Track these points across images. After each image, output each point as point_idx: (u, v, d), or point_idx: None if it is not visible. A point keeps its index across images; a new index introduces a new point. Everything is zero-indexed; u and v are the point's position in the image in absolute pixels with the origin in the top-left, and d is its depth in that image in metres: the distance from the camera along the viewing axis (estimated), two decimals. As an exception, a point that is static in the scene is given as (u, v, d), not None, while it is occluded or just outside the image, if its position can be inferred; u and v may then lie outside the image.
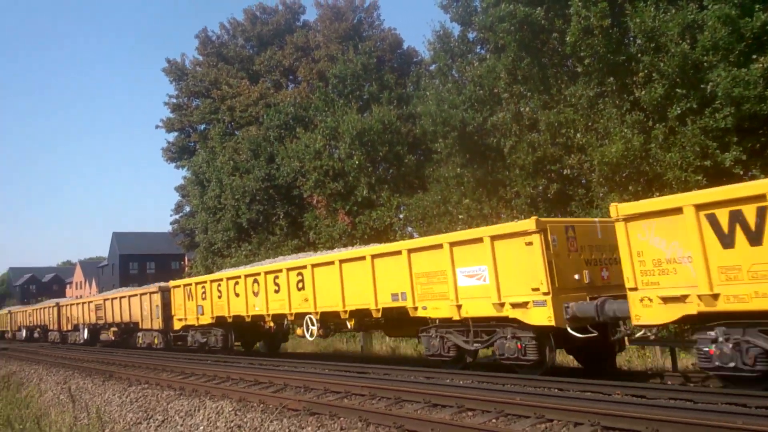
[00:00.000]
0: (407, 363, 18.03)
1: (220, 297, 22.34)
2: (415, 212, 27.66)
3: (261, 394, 13.36)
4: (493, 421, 9.58)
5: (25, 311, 51.66)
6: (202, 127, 50.70)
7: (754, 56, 16.32)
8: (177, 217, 53.72)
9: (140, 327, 28.89)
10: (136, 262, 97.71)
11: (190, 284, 24.58)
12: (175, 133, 52.66)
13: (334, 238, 31.41)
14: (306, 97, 41.93)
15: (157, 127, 53.39)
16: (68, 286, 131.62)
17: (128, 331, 31.87)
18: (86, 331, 36.33)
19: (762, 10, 16.23)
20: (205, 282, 23.39)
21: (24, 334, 50.84)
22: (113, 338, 33.69)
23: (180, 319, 25.03)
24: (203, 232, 43.67)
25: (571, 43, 19.61)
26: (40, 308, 46.94)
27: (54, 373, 23.37)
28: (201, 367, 19.39)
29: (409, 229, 29.32)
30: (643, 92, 18.31)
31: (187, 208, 51.93)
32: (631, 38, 19.79)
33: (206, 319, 23.23)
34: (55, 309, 42.26)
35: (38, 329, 47.54)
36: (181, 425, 12.89)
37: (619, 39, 19.52)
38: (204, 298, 23.28)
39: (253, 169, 37.78)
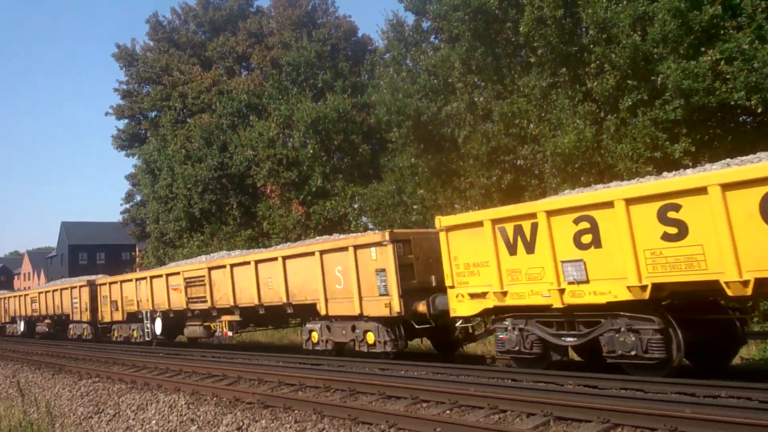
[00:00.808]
0: (362, 355, 18.02)
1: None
2: (369, 202, 27.57)
3: (214, 387, 13.29)
4: (447, 412, 9.64)
5: None
6: (153, 114, 49.62)
7: (703, 49, 16.58)
8: (127, 206, 52.61)
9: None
10: (86, 252, 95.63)
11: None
12: (126, 120, 51.43)
13: (288, 228, 31.16)
14: (259, 85, 41.37)
15: (106, 114, 52.36)
16: (16, 276, 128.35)
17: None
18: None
19: (710, 3, 16.48)
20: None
21: None
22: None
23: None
24: (154, 222, 42.89)
25: (524, 33, 19.71)
26: None
27: (2, 366, 22.94)
28: (153, 360, 19.24)
29: (364, 219, 29.23)
30: (595, 83, 18.52)
31: (138, 198, 50.87)
32: (584, 29, 19.96)
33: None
34: None
35: None
36: (133, 419, 12.78)
37: (571, 30, 19.68)
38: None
39: (206, 157, 37.18)
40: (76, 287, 29.76)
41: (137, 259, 58.43)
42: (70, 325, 31.51)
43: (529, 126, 20.31)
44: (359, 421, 9.50)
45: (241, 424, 10.50)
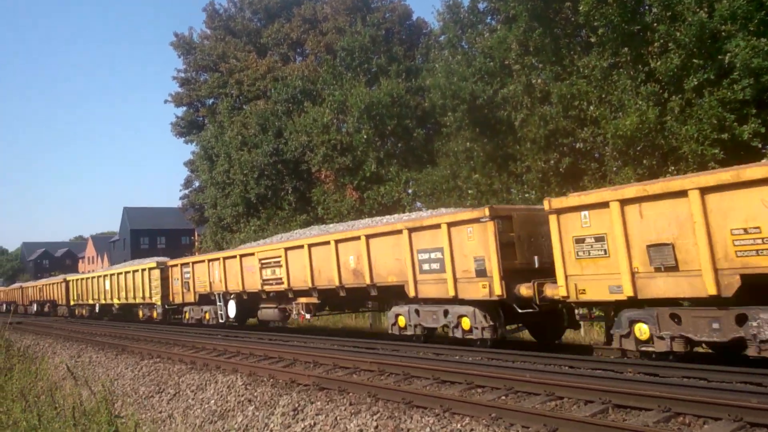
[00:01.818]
0: (455, 342, 17.97)
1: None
2: (423, 187, 27.40)
3: (271, 369, 13.38)
4: (503, 398, 9.49)
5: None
6: (211, 101, 50.37)
7: (774, 25, 15.89)
8: (186, 192, 53.72)
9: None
10: (147, 237, 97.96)
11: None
12: (184, 108, 52.39)
13: (342, 213, 31.24)
14: (314, 71, 41.50)
15: (165, 101, 53.06)
16: (80, 260, 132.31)
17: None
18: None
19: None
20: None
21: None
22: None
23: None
24: (212, 207, 43.62)
25: (584, 12, 19.16)
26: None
27: (67, 347, 23.67)
28: (211, 341, 19.51)
29: (418, 204, 29.10)
30: (658, 63, 17.89)
31: (197, 183, 51.84)
32: (647, 7, 19.27)
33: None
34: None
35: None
36: (193, 399, 13.01)
37: (634, 8, 19.04)
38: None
39: (261, 143, 37.55)
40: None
41: (196, 244, 59.57)
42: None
43: (589, 108, 19.78)
44: (413, 405, 9.43)
45: (297, 405, 10.54)
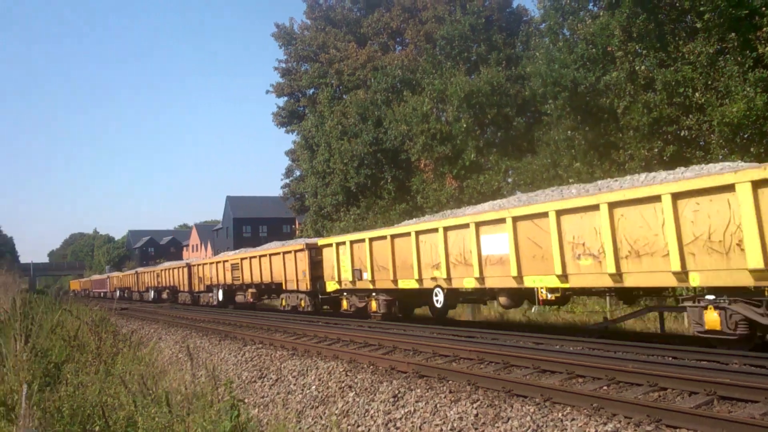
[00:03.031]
0: (515, 328, 17.95)
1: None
2: (523, 176, 27.21)
3: (371, 356, 13.56)
4: (604, 388, 9.49)
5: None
6: (311, 91, 51.11)
7: None
8: (287, 181, 54.73)
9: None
10: (249, 225, 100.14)
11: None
12: (285, 98, 53.40)
13: (441, 202, 31.39)
14: (413, 60, 41.67)
15: (267, 92, 54.39)
16: (185, 248, 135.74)
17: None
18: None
19: None
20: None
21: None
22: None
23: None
24: (313, 196, 44.40)
25: (690, -3, 18.62)
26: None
27: (172, 332, 24.46)
28: (312, 328, 19.91)
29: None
30: (767, 48, 17.13)
31: (297, 173, 52.83)
32: (756, -10, 18.51)
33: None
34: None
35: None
36: (294, 384, 13.28)
37: (742, -8, 18.36)
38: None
39: (361, 133, 38.03)
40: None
41: (297, 232, 60.79)
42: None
43: (695, 95, 19.17)
44: (513, 394, 9.54)
45: (396, 392, 10.70)
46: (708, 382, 8.66)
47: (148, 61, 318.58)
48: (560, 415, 8.38)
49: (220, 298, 34.74)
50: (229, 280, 32.99)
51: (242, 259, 31.25)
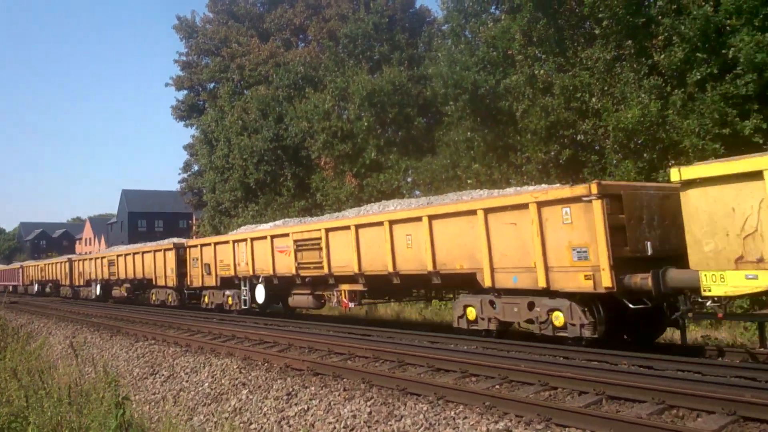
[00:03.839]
0: (410, 327, 17.96)
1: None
2: (423, 176, 27.32)
3: (265, 353, 13.41)
4: (497, 387, 9.50)
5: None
6: (212, 85, 50.14)
7: (779, 21, 15.77)
8: (185, 175, 53.56)
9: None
10: (145, 219, 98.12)
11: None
12: (185, 92, 52.19)
13: (341, 200, 31.18)
14: (316, 57, 41.32)
15: (166, 85, 53.06)
16: (78, 242, 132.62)
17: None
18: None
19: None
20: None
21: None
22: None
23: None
24: (211, 192, 43.60)
25: (589, 3, 19.04)
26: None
27: (63, 327, 23.72)
28: (207, 325, 19.61)
29: (417, 192, 29.03)
30: (662, 56, 17.77)
31: (196, 167, 51.74)
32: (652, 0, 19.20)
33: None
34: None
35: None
36: (187, 381, 13.06)
37: (639, 0, 18.94)
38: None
39: (262, 129, 37.43)
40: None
41: (194, 228, 59.53)
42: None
43: (591, 100, 19.68)
44: (408, 392, 9.45)
45: (291, 389, 10.57)
46: (597, 382, 8.77)
47: (43, 46, 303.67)
48: (453, 413, 8.30)
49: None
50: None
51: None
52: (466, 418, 8.06)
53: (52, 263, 47.20)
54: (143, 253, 29.80)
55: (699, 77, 16.95)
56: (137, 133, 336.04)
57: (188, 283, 25.59)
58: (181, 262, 26.08)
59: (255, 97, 40.31)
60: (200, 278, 24.54)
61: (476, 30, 24.64)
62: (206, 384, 12.42)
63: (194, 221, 63.75)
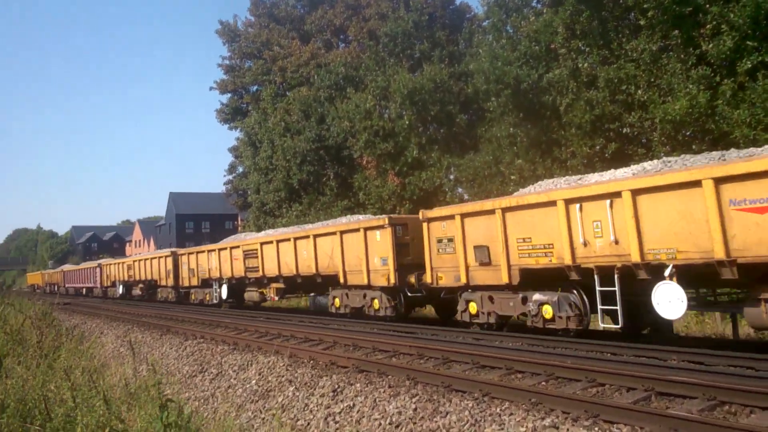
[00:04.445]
0: (455, 325, 17.85)
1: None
2: (465, 173, 27.13)
3: (311, 351, 13.45)
4: (543, 383, 9.36)
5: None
6: (255, 88, 50.70)
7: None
8: (230, 177, 54.18)
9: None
10: (192, 221, 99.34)
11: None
12: (229, 95, 52.83)
13: (383, 198, 31.18)
14: (357, 57, 41.40)
15: (211, 88, 53.60)
16: (128, 244, 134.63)
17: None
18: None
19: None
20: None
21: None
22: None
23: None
24: (255, 193, 44.05)
25: (633, -6, 18.73)
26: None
27: (114, 327, 24.24)
28: (253, 323, 19.78)
29: (460, 190, 28.87)
30: (710, 45, 17.34)
31: (240, 169, 52.35)
32: (699, -12, 18.73)
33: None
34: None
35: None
36: (235, 378, 13.18)
37: (685, -11, 18.54)
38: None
39: (304, 129, 37.67)
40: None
41: (239, 228, 60.20)
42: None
43: (637, 92, 19.31)
44: (453, 389, 9.37)
45: (336, 386, 10.58)
46: (646, 378, 8.58)
47: (94, 53, 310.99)
48: (498, 409, 8.21)
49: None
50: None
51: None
52: (512, 414, 7.96)
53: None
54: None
55: (750, 66, 16.50)
56: (184, 136, 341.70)
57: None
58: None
59: (297, 98, 40.61)
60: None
61: (518, 24, 24.39)
62: (254, 381, 12.52)
63: (240, 222, 64.50)
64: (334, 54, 43.94)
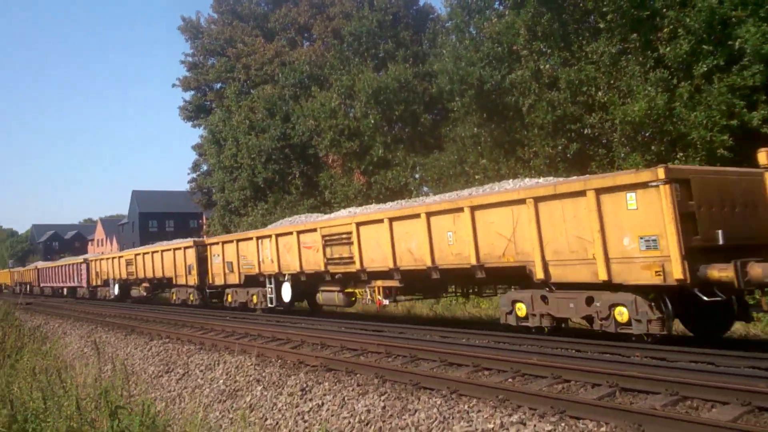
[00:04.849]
0: (422, 322, 18.03)
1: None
2: (430, 172, 27.38)
3: (279, 350, 13.47)
4: (510, 380, 9.53)
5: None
6: (218, 85, 50.34)
7: (785, 11, 15.77)
8: (194, 175, 53.73)
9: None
10: (156, 220, 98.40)
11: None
12: (192, 92, 52.41)
13: (349, 197, 31.28)
14: (321, 56, 41.39)
15: (173, 86, 53.09)
16: (90, 243, 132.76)
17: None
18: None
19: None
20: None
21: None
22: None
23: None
24: (220, 191, 43.82)
25: (594, -3, 19.12)
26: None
27: (78, 327, 23.89)
28: (220, 323, 19.68)
29: (425, 189, 29.11)
30: (667, 49, 17.77)
31: (205, 167, 51.92)
32: (656, -8, 19.19)
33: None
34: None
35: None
36: (202, 378, 13.15)
37: (643, -7, 18.99)
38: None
39: (269, 128, 37.58)
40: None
41: (204, 227, 59.68)
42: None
43: (597, 93, 19.71)
44: (421, 387, 9.49)
45: (305, 385, 10.63)
46: (610, 374, 8.80)
47: (53, 49, 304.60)
48: (467, 406, 8.36)
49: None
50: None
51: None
52: (480, 411, 8.11)
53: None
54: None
55: (705, 69, 16.95)
56: (146, 133, 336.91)
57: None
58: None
59: (261, 96, 40.47)
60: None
61: (480, 26, 24.67)
62: (221, 381, 12.51)
63: (204, 221, 63.94)
64: (298, 52, 43.84)
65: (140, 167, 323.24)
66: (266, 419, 10.15)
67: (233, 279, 23.34)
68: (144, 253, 31.49)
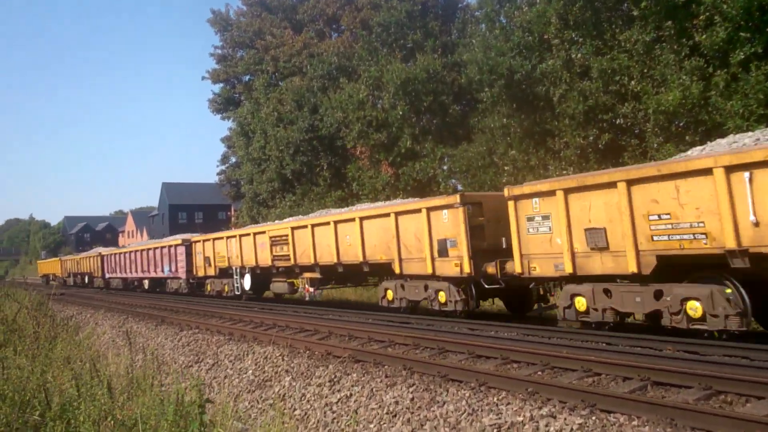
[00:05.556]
0: (449, 315, 17.91)
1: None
2: (459, 164, 27.16)
3: (307, 341, 13.52)
4: (539, 373, 9.43)
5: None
6: (247, 78, 50.53)
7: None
8: (223, 167, 54.17)
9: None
10: (185, 212, 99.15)
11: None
12: (221, 85, 52.68)
13: (377, 189, 31.18)
14: (349, 47, 41.26)
15: (203, 78, 53.39)
16: (120, 234, 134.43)
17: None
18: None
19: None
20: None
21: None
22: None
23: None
24: (249, 183, 44.04)
25: (627, -16, 18.73)
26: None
27: (109, 317, 24.33)
28: (249, 314, 19.86)
29: (453, 180, 28.91)
30: (703, 36, 17.35)
31: (233, 159, 52.28)
32: (692, -21, 18.74)
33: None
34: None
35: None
36: (231, 368, 13.28)
37: (678, -20, 18.56)
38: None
39: (297, 120, 37.59)
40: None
41: (232, 219, 60.11)
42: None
43: (630, 83, 19.33)
44: (449, 379, 9.44)
45: (333, 376, 10.66)
46: (641, 368, 8.66)
47: (86, 46, 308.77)
48: (495, 399, 8.29)
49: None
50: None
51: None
52: (509, 404, 8.04)
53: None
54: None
55: (742, 57, 16.51)
56: (176, 127, 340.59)
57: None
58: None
59: (290, 88, 40.51)
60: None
61: (511, 14, 24.33)
62: (250, 371, 12.60)
63: (233, 212, 64.39)
64: (326, 44, 43.81)
65: (171, 160, 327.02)
66: (295, 409, 10.18)
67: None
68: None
